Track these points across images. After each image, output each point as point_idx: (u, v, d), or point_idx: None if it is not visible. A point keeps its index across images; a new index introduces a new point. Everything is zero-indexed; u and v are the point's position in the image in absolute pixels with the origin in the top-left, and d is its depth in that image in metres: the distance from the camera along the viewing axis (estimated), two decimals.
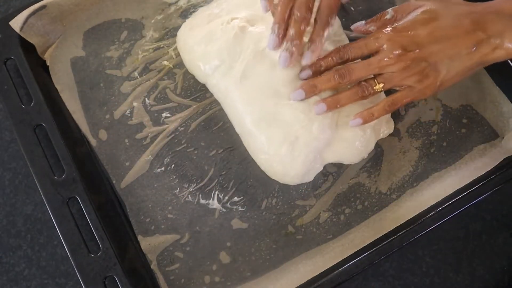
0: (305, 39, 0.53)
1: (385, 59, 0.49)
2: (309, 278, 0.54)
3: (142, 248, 0.56)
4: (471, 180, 0.57)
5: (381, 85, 0.50)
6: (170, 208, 0.58)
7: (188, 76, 0.62)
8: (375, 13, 0.63)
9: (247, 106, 0.55)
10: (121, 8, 0.65)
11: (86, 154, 0.59)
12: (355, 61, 0.52)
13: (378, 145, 0.60)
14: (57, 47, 0.63)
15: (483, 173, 0.57)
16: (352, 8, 0.65)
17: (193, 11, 0.65)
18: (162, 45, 0.64)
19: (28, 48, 0.60)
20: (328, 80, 0.51)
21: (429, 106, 0.62)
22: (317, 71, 0.52)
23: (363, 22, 0.53)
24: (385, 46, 0.49)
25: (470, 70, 0.49)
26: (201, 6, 0.65)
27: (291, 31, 0.52)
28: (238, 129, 0.58)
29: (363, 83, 0.51)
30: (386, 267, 0.52)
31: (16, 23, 0.59)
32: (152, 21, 0.65)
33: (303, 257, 0.56)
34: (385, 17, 0.52)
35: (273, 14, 0.53)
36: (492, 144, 0.60)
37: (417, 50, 0.48)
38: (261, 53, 0.55)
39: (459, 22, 0.48)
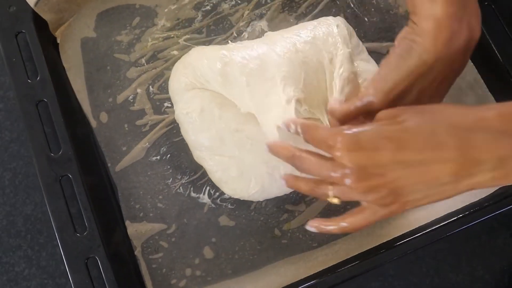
0: None
1: (339, 171, 0.39)
2: (289, 283, 0.54)
3: (129, 233, 0.57)
4: (463, 205, 0.56)
5: (336, 200, 0.43)
6: (160, 197, 0.58)
7: None
8: (389, 25, 0.63)
9: None
10: None
11: (85, 134, 0.60)
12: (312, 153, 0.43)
13: None
14: (69, 26, 0.63)
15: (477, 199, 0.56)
16: (366, 19, 0.64)
17: (207, 5, 0.65)
18: (172, 35, 0.64)
19: (40, 23, 0.61)
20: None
21: None
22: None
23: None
24: (339, 154, 0.39)
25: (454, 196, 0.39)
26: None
27: None
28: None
29: (316, 189, 0.44)
30: (386, 267, 0.52)
31: None
32: (166, 10, 0.65)
33: (285, 262, 0.56)
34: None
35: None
36: None
37: (377, 176, 0.38)
38: None
39: (438, 141, 0.37)
